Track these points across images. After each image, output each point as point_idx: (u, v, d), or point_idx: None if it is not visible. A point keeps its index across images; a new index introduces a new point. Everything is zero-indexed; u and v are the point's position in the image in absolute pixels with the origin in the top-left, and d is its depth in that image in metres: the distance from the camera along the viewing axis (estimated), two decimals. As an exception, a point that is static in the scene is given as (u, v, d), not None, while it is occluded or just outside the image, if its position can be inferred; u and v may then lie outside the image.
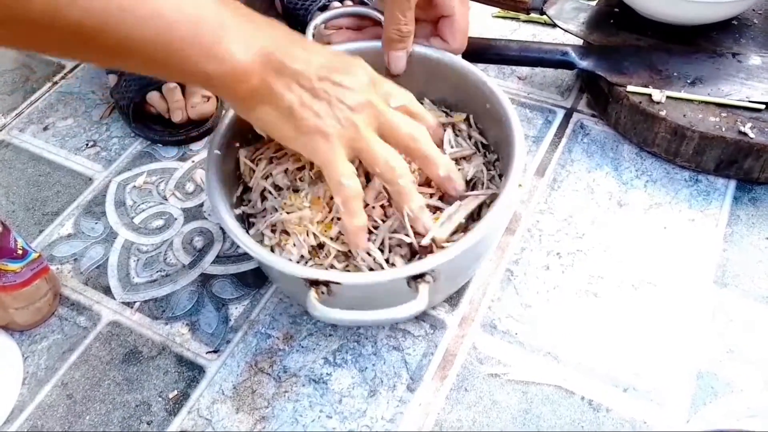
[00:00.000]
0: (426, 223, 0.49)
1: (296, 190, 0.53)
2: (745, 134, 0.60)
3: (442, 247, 0.48)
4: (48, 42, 0.40)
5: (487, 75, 0.56)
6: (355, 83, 0.46)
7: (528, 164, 0.66)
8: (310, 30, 0.61)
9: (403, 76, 0.58)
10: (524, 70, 0.75)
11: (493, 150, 0.58)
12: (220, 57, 0.42)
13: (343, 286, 0.45)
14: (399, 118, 0.48)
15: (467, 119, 0.59)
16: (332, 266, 0.50)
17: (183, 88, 0.71)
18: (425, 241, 0.48)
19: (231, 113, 0.55)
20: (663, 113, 0.62)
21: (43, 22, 0.37)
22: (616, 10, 0.73)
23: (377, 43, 0.58)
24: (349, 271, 0.50)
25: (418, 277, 0.45)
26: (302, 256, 0.51)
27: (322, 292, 0.45)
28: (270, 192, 0.54)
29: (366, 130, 0.46)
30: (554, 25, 0.73)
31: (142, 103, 0.72)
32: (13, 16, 0.36)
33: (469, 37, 0.59)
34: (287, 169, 0.55)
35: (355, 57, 0.49)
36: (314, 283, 0.45)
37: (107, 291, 0.60)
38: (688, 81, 0.65)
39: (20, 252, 0.53)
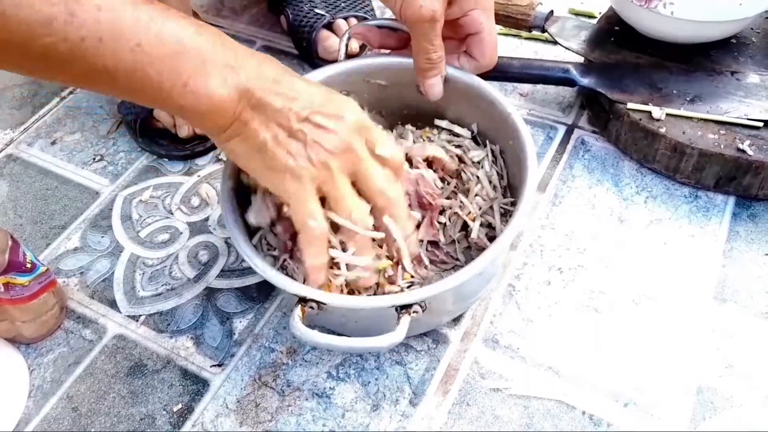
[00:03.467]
0: (313, 280, 0.48)
1: None
2: (743, 151, 0.61)
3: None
4: (21, 64, 0.40)
5: (515, 108, 0.56)
6: (338, 126, 0.46)
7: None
8: (343, 42, 0.61)
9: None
10: (526, 87, 0.76)
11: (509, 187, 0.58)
12: (196, 92, 0.42)
13: (327, 306, 0.46)
14: (376, 170, 0.47)
15: (493, 154, 0.59)
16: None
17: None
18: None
19: None
20: (663, 130, 0.63)
21: (17, 44, 0.38)
22: (617, 28, 0.74)
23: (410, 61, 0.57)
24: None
25: (405, 307, 0.45)
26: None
27: (311, 308, 0.46)
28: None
29: (339, 175, 0.46)
30: (555, 43, 0.74)
31: (148, 118, 0.73)
32: None
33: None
34: None
35: (347, 98, 0.49)
36: (303, 300, 0.46)
37: (113, 304, 0.60)
38: (688, 99, 0.66)
39: (29, 266, 0.54)
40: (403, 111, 0.63)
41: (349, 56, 0.62)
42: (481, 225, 0.56)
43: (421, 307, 0.45)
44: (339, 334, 0.48)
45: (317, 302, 0.45)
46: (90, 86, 0.44)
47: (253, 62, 0.45)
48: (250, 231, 0.53)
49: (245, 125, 0.45)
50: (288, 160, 0.45)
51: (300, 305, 0.45)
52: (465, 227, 0.56)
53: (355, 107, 0.48)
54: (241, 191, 0.54)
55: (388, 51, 0.62)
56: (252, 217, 0.52)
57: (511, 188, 0.58)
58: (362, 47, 0.78)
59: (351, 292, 0.50)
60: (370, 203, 0.48)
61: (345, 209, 0.47)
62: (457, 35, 0.58)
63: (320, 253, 0.47)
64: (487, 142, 0.60)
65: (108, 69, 0.40)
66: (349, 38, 0.61)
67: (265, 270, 0.48)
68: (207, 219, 0.66)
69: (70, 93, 0.82)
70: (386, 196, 0.48)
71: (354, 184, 0.47)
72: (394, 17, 0.58)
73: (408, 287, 0.51)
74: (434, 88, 0.57)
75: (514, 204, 0.58)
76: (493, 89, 0.57)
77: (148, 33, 0.40)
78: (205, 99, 0.43)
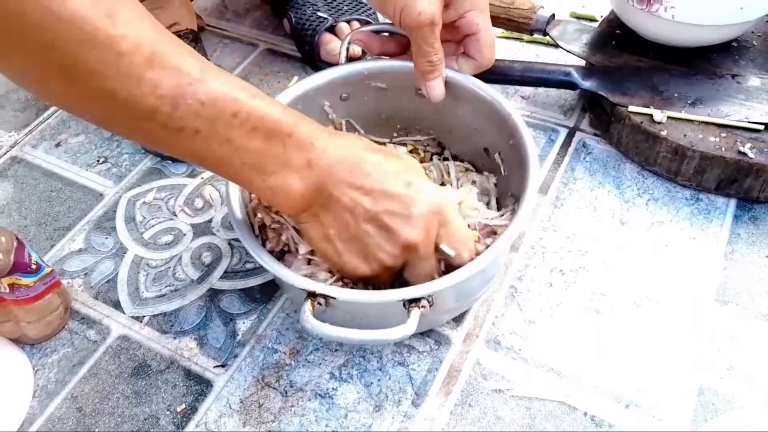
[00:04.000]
0: None
1: None
2: (744, 154, 0.61)
3: None
4: (125, 135, 0.47)
5: (514, 108, 0.56)
6: (404, 226, 0.46)
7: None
8: (344, 46, 0.61)
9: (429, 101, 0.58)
10: (528, 90, 0.77)
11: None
12: (274, 188, 0.45)
13: (338, 301, 0.46)
14: (426, 270, 0.49)
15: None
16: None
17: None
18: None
19: None
20: (664, 133, 0.64)
21: (122, 124, 0.42)
22: (618, 32, 0.75)
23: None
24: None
25: (413, 301, 0.46)
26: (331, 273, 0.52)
27: (319, 303, 0.46)
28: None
29: (394, 271, 0.49)
30: (557, 46, 0.74)
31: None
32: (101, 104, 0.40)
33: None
34: None
35: (425, 184, 0.47)
36: (312, 295, 0.46)
37: (117, 305, 0.61)
38: (689, 102, 0.66)
39: (34, 267, 0.54)
40: (402, 113, 0.64)
41: (351, 59, 0.62)
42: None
43: (428, 301, 0.46)
44: None
45: (326, 297, 0.46)
46: (182, 158, 0.48)
47: (334, 151, 0.46)
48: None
49: (315, 217, 0.47)
50: (349, 259, 0.48)
51: (309, 300, 0.46)
52: None
53: (427, 194, 0.47)
54: None
55: (387, 57, 0.62)
56: None
57: (512, 188, 0.59)
58: (364, 50, 0.79)
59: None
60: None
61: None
62: (455, 37, 0.59)
63: None
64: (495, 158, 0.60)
65: (197, 154, 0.43)
66: (349, 43, 0.61)
67: (276, 267, 0.48)
68: (210, 221, 0.67)
69: (75, 95, 0.82)
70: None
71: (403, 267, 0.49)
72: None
73: None
74: (436, 89, 0.57)
75: (516, 202, 0.58)
76: (492, 90, 0.58)
77: (241, 129, 0.42)
78: (281, 196, 0.46)
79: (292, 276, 0.48)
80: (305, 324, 0.45)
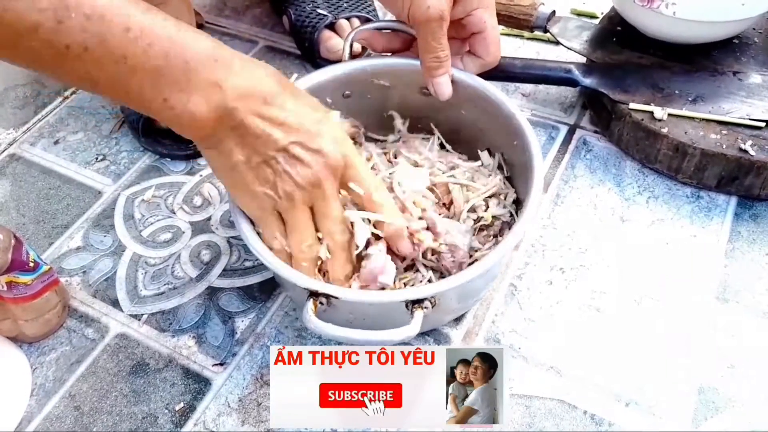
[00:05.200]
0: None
1: None
2: (745, 151, 0.61)
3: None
4: (10, 59, 0.40)
5: (519, 108, 0.56)
6: (314, 160, 0.46)
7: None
8: (347, 44, 0.61)
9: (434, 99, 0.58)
10: (528, 87, 0.76)
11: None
12: (174, 108, 0.42)
13: (340, 300, 0.46)
14: (334, 211, 0.48)
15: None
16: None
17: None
18: None
19: None
20: (665, 130, 0.63)
21: (4, 44, 0.38)
22: (619, 28, 0.74)
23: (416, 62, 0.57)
24: None
25: (416, 302, 0.45)
26: None
27: (321, 303, 0.46)
28: None
29: (300, 207, 0.47)
30: (558, 43, 0.74)
31: (151, 118, 0.72)
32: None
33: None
34: None
35: (338, 127, 0.49)
36: (314, 294, 0.46)
37: (115, 303, 0.60)
38: (690, 99, 0.66)
39: (32, 264, 0.54)
40: (405, 112, 0.63)
41: (353, 56, 0.62)
42: (482, 227, 0.56)
43: (431, 302, 0.46)
44: None
45: (328, 296, 0.46)
46: (74, 86, 0.44)
47: (247, 77, 0.44)
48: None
49: (221, 142, 0.45)
50: (254, 186, 0.46)
51: (312, 299, 0.46)
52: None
53: (341, 137, 0.48)
54: None
55: (390, 54, 0.62)
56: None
57: (515, 188, 0.58)
58: (364, 47, 0.79)
59: None
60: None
61: (295, 239, 0.48)
62: (461, 35, 0.59)
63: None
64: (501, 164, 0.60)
65: (91, 77, 0.40)
66: (353, 40, 0.61)
67: (278, 265, 0.48)
68: (209, 218, 0.67)
69: (73, 93, 0.82)
70: (333, 239, 0.49)
71: (312, 215, 0.49)
72: (395, 19, 0.59)
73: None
74: (443, 86, 0.57)
75: (518, 203, 0.58)
76: (496, 90, 0.57)
77: (136, 46, 0.40)
78: (184, 116, 0.43)
79: (295, 275, 0.48)
80: (308, 323, 0.45)
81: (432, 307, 0.46)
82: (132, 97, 0.42)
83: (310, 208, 0.48)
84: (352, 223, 0.49)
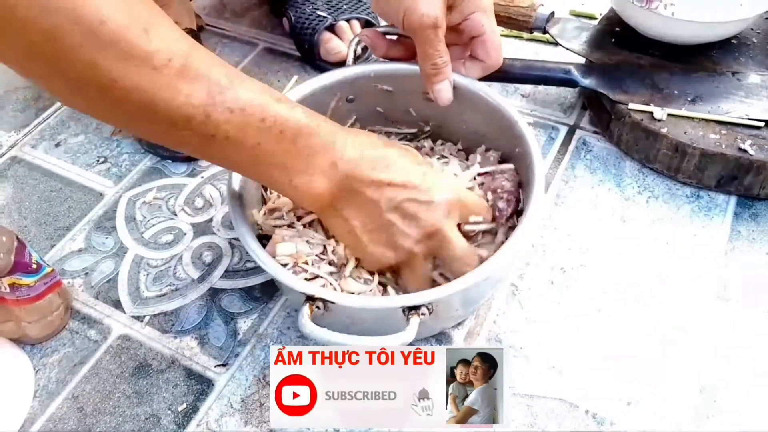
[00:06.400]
0: None
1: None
2: (745, 151, 0.61)
3: None
4: (161, 141, 0.47)
5: (521, 115, 0.56)
6: (427, 213, 0.49)
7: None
8: (352, 47, 0.61)
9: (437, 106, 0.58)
10: (527, 88, 0.77)
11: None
12: (300, 188, 0.47)
13: (336, 305, 0.46)
14: (458, 251, 0.50)
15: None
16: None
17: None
18: None
19: None
20: (664, 130, 0.64)
21: (160, 131, 0.43)
22: (618, 29, 0.75)
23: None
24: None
25: (413, 309, 0.46)
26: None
27: (318, 308, 0.46)
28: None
29: (420, 259, 0.50)
30: (557, 44, 0.74)
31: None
32: (135, 118, 0.42)
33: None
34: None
35: (438, 171, 0.52)
36: (310, 298, 0.46)
37: (117, 305, 0.61)
38: (689, 99, 0.66)
39: (35, 266, 0.54)
40: (408, 117, 0.64)
41: (355, 58, 0.62)
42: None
43: (428, 309, 0.46)
44: None
45: (325, 301, 0.46)
46: (213, 163, 0.55)
47: (354, 150, 0.48)
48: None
49: (339, 212, 0.49)
50: (374, 249, 0.50)
51: (308, 304, 0.46)
52: None
53: (445, 184, 0.51)
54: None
55: (392, 60, 0.62)
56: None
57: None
58: (364, 49, 0.79)
59: None
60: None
61: (414, 287, 0.51)
62: (461, 40, 0.59)
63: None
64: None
65: (228, 158, 0.46)
66: (358, 43, 0.61)
67: (276, 270, 0.48)
68: (211, 220, 0.67)
69: (74, 95, 0.82)
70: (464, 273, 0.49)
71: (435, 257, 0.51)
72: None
73: None
74: (442, 93, 0.57)
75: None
76: (498, 96, 0.57)
77: (270, 133, 0.45)
78: (307, 194, 0.48)
79: (292, 279, 0.48)
80: (303, 328, 0.45)
81: (429, 314, 0.46)
82: (262, 176, 0.48)
83: (433, 260, 0.51)
84: None
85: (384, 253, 0.50)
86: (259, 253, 0.49)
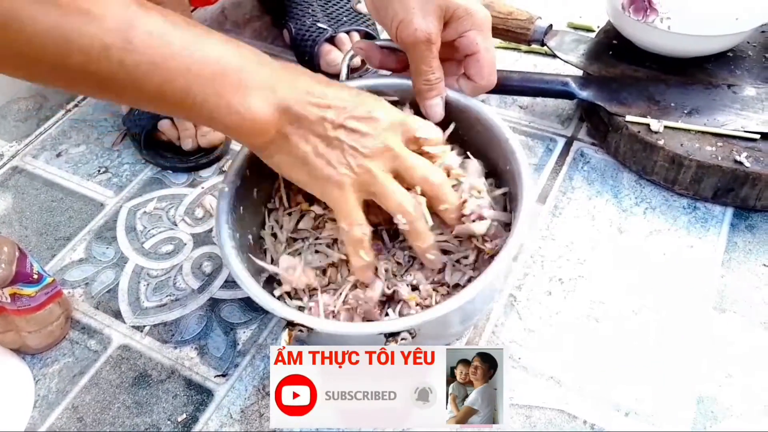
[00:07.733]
0: (435, 261, 0.51)
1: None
2: (740, 163, 0.62)
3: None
4: (83, 87, 0.45)
5: (512, 132, 0.55)
6: (372, 128, 0.48)
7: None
8: (346, 60, 0.61)
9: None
10: (525, 100, 0.77)
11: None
12: (239, 111, 0.45)
13: (315, 332, 0.46)
14: (415, 161, 0.50)
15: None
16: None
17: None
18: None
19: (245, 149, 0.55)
20: (661, 142, 0.64)
21: (78, 71, 0.41)
22: (615, 42, 0.75)
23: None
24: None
25: (393, 335, 0.45)
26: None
27: (300, 330, 0.46)
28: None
29: (381, 174, 0.48)
30: (555, 56, 0.75)
31: (153, 130, 0.73)
32: (52, 65, 0.40)
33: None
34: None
35: (376, 97, 0.50)
36: (290, 324, 0.46)
37: (117, 315, 0.61)
38: (685, 111, 0.67)
39: (36, 276, 0.54)
40: None
41: (352, 70, 0.62)
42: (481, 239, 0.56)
43: (410, 333, 0.45)
44: None
45: (305, 327, 0.46)
46: (137, 105, 0.48)
47: (287, 76, 0.48)
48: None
49: (287, 140, 0.47)
50: (329, 170, 0.48)
51: (288, 329, 0.46)
52: None
53: (385, 105, 0.51)
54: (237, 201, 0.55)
55: (388, 72, 0.62)
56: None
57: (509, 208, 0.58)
58: (363, 62, 0.79)
59: None
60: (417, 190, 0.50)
61: (394, 203, 0.49)
62: (456, 57, 0.58)
63: (363, 256, 0.49)
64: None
65: (160, 91, 0.43)
66: (352, 56, 0.61)
67: (258, 293, 0.48)
68: (211, 230, 0.67)
69: (75, 106, 0.82)
70: (430, 181, 0.50)
71: (397, 178, 0.49)
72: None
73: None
74: (434, 108, 0.56)
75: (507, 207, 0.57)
76: (492, 112, 0.56)
77: (193, 56, 0.43)
78: (248, 119, 0.46)
79: (276, 305, 0.47)
80: None
81: (412, 338, 0.45)
82: (199, 108, 0.45)
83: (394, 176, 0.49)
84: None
85: (340, 171, 0.48)
86: (240, 275, 0.49)
